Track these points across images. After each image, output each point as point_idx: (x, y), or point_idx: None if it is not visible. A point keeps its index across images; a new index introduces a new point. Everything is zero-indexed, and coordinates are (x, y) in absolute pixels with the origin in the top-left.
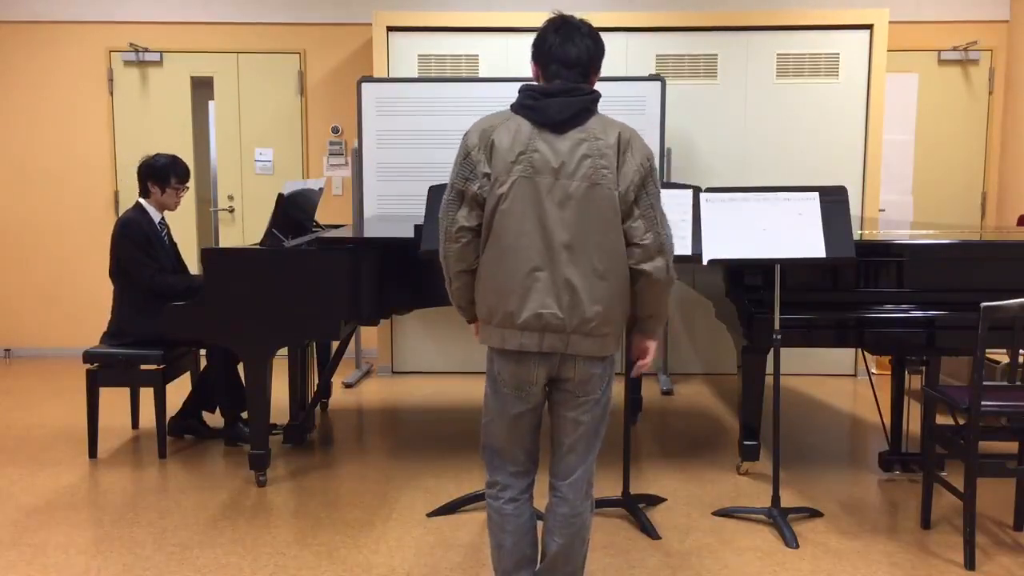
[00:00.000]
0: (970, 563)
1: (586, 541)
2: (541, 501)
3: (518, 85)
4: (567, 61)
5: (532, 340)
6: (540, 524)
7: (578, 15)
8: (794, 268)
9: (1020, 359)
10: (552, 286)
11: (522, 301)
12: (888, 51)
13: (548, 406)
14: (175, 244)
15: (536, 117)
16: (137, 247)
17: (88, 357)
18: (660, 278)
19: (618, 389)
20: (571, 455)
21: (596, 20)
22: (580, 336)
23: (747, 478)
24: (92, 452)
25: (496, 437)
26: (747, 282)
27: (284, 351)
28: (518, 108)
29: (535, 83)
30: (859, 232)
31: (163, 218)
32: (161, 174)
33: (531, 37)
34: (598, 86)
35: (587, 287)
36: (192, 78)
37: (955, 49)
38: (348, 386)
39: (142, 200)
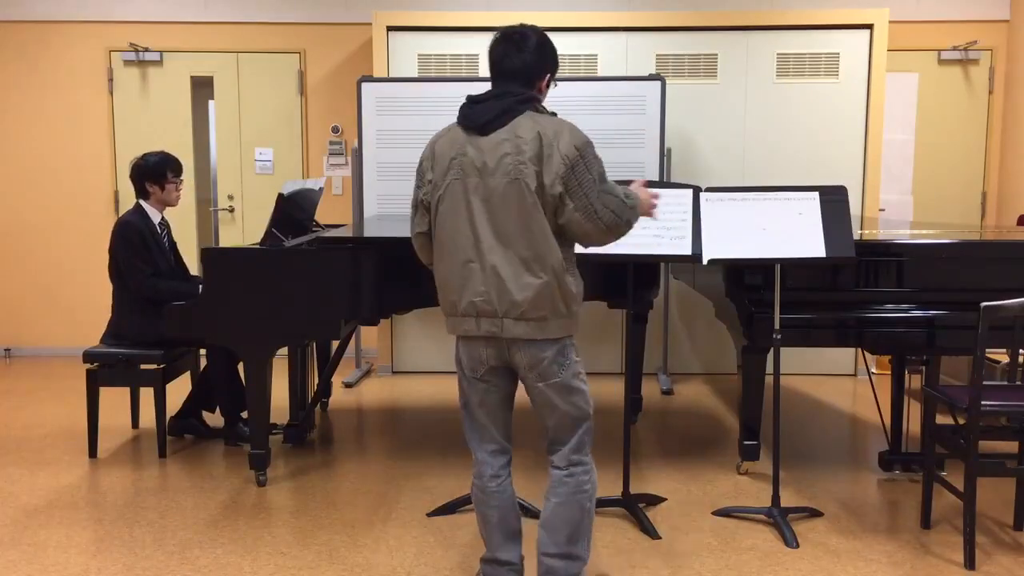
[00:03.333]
0: (970, 563)
1: (585, 508)
2: (527, 489)
3: None
4: (504, 74)
5: (471, 325)
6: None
7: (577, 15)
8: (794, 268)
9: (1020, 359)
10: (482, 275)
11: (460, 291)
12: (888, 51)
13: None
14: (175, 245)
15: (465, 123)
16: (132, 250)
17: (88, 357)
18: (601, 243)
19: (617, 388)
20: (557, 432)
21: (596, 20)
22: (512, 320)
23: (747, 478)
24: (92, 452)
25: (472, 417)
26: (747, 282)
27: (284, 351)
28: (458, 117)
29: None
30: (859, 232)
31: (163, 219)
32: (156, 172)
33: None
34: (599, 85)
35: (513, 274)
36: (192, 78)
37: (955, 49)
38: (348, 386)
39: (141, 202)
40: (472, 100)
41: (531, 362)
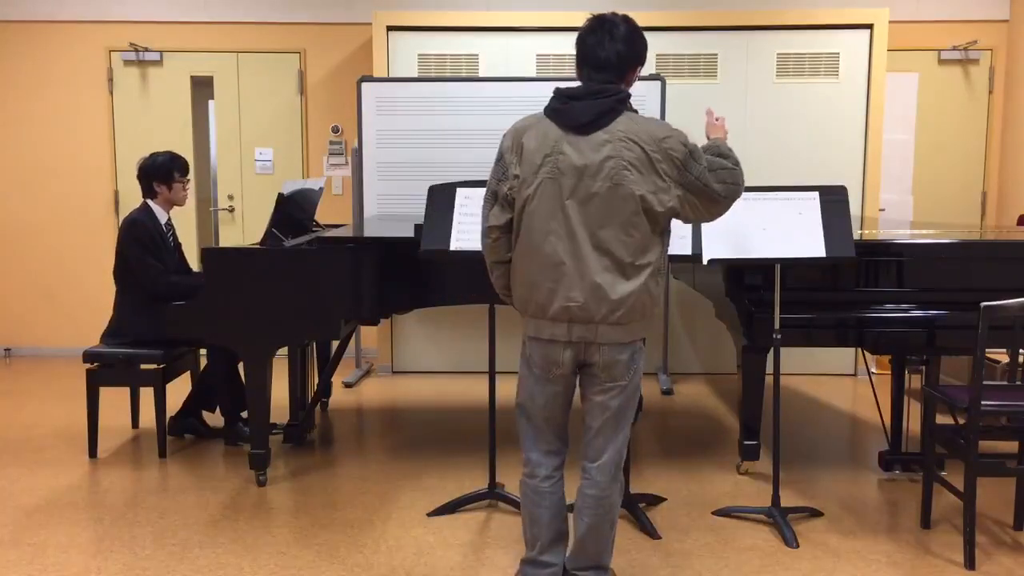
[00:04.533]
0: (970, 563)
1: (614, 523)
2: (571, 488)
3: (518, 84)
4: (596, 64)
5: (561, 330)
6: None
7: (577, 15)
8: (794, 268)
9: (1020, 359)
10: (578, 280)
11: (550, 295)
12: (888, 51)
13: (579, 390)
14: (180, 245)
15: (562, 120)
16: (143, 248)
17: (88, 357)
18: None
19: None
20: (599, 438)
21: None
22: (607, 326)
23: (747, 478)
24: (92, 452)
25: (529, 416)
26: (747, 282)
27: (284, 351)
28: (548, 111)
29: (565, 86)
30: (859, 232)
31: (170, 219)
32: (164, 171)
33: (531, 36)
34: None
35: (611, 281)
36: (192, 78)
37: (955, 48)
38: (348, 386)
39: (149, 201)
40: (566, 96)
41: (608, 362)
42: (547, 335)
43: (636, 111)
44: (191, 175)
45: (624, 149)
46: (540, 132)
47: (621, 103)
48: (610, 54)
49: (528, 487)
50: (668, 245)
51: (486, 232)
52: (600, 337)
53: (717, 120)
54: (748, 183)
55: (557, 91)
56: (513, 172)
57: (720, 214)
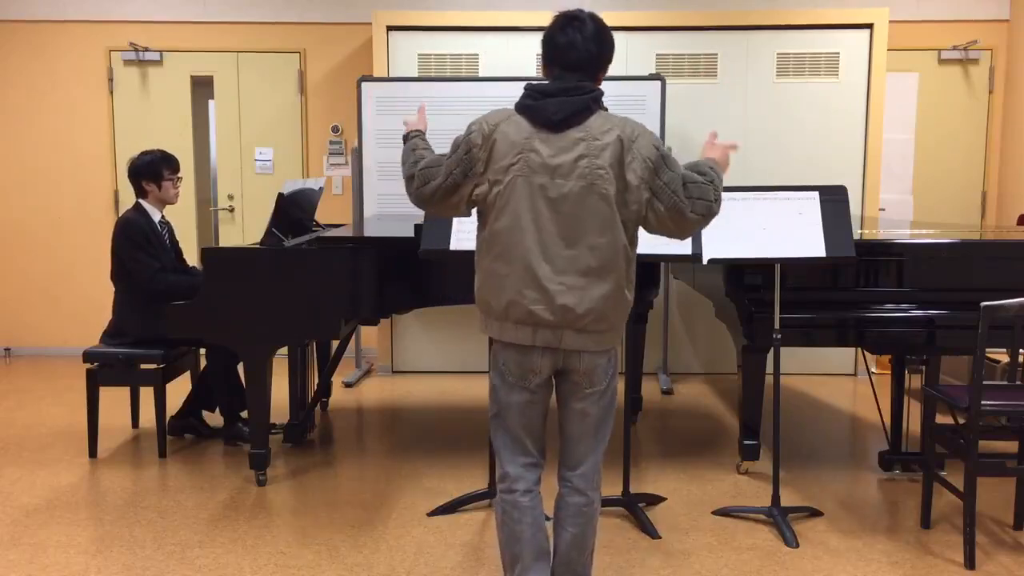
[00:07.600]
0: (970, 562)
1: (596, 530)
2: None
3: (518, 84)
4: (568, 65)
5: (526, 334)
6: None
7: None
8: (794, 267)
9: (1020, 359)
10: (545, 283)
11: (516, 297)
12: (888, 50)
13: (556, 398)
14: (177, 243)
15: (534, 117)
16: (137, 246)
17: (88, 357)
18: (694, 233)
19: (618, 387)
20: (580, 446)
21: None
22: (573, 332)
23: (747, 477)
24: (92, 452)
25: (506, 428)
26: (747, 282)
27: (284, 351)
28: (519, 107)
29: (538, 82)
30: (859, 232)
31: (163, 217)
32: (152, 170)
33: (531, 36)
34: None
35: (580, 285)
36: (192, 78)
37: (955, 48)
38: (348, 385)
39: (141, 201)
40: (539, 92)
41: (588, 368)
42: (510, 338)
43: (607, 110)
44: (182, 173)
45: (598, 148)
46: (512, 128)
47: (595, 102)
48: (583, 54)
49: (507, 503)
50: (635, 255)
51: (424, 193)
52: (564, 343)
53: (718, 143)
54: (748, 182)
55: (529, 87)
56: (479, 170)
57: (688, 233)
